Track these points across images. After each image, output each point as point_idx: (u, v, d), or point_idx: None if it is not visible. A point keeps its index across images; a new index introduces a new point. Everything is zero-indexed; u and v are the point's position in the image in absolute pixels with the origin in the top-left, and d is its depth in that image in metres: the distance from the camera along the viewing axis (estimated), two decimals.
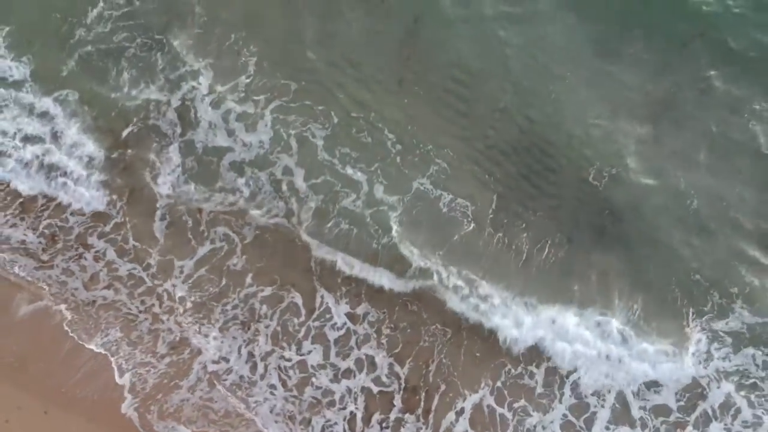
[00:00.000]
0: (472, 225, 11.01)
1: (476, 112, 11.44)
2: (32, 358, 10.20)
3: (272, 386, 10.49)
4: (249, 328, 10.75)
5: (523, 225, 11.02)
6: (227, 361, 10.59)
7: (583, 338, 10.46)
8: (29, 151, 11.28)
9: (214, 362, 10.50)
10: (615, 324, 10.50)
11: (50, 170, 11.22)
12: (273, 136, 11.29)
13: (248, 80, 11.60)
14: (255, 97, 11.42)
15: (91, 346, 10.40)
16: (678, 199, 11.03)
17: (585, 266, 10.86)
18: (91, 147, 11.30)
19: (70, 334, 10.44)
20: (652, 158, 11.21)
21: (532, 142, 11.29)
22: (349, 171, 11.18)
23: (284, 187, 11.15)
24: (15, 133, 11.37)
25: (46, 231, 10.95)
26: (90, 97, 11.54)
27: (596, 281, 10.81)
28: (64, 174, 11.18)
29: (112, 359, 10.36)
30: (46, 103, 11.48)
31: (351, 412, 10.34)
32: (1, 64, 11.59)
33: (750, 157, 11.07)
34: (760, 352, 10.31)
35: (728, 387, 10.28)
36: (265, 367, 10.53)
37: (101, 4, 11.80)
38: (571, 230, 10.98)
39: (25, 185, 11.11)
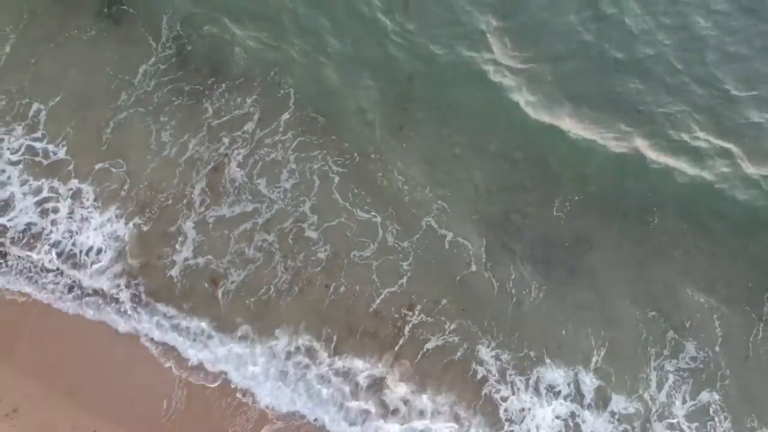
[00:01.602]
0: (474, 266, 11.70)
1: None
2: (85, 380, 10.83)
3: None
4: None
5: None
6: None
7: None
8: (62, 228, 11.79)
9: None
10: None
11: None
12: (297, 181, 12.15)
13: (288, 116, 12.66)
14: (282, 137, 12.47)
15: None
16: None
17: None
18: (120, 223, 11.86)
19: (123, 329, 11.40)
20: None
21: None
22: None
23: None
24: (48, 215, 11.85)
25: None
26: (128, 167, 12.20)
27: None
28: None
29: None
30: (77, 182, 12.06)
31: None
32: (37, 146, 12.20)
33: None
34: None
35: None
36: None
37: (153, 59, 12.93)
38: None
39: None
